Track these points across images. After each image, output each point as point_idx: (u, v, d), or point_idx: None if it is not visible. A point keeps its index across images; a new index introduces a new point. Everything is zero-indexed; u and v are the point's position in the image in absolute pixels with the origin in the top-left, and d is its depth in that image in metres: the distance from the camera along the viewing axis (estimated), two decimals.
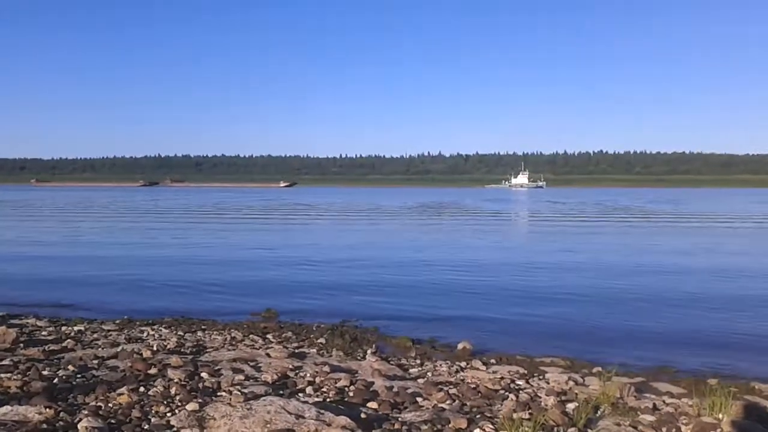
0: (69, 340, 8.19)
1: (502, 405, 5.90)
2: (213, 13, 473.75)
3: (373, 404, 5.76)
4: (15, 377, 5.94)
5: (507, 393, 6.41)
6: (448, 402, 5.93)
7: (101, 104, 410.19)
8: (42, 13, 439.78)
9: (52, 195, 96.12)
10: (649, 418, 5.53)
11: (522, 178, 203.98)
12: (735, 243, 25.49)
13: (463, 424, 5.16)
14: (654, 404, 6.06)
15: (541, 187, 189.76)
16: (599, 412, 5.68)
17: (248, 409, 5.09)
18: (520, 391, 6.52)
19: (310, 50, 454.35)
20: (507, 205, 69.74)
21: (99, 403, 5.29)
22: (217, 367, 6.77)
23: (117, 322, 10.08)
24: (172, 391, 5.74)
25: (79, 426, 4.66)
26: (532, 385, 6.87)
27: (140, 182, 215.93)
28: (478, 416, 5.47)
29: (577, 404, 5.85)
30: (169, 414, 5.11)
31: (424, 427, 5.10)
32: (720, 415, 5.45)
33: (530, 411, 5.61)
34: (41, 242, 24.48)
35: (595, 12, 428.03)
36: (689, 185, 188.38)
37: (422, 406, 5.78)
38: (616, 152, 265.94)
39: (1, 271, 16.23)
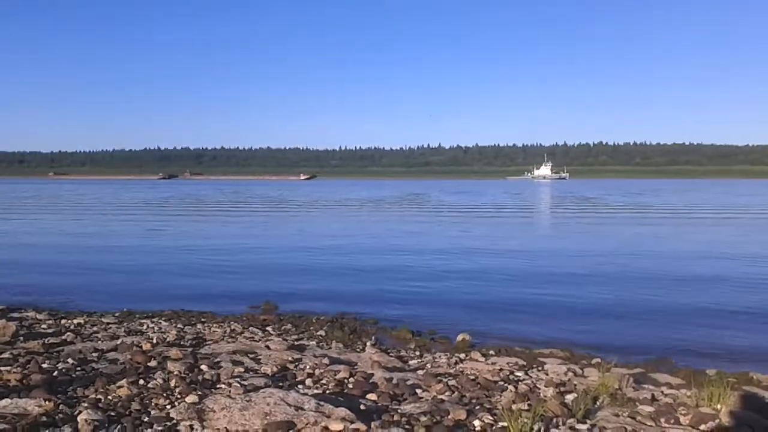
0: (68, 333, 8.19)
1: (501, 396, 5.90)
2: (212, 8, 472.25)
3: (372, 396, 5.76)
4: (15, 370, 5.94)
5: (506, 384, 6.41)
6: (447, 393, 5.94)
7: (99, 98, 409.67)
8: (42, 7, 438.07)
9: (89, 189, 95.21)
10: (648, 408, 5.54)
11: (545, 170, 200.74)
12: (734, 233, 25.51)
13: (463, 415, 5.17)
14: (653, 395, 6.07)
15: (564, 178, 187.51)
16: (598, 403, 5.68)
17: (248, 401, 5.09)
18: (519, 383, 6.53)
19: (309, 44, 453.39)
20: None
21: (98, 396, 5.29)
22: (216, 360, 6.77)
23: (116, 314, 10.08)
24: (172, 383, 5.75)
25: (78, 418, 4.67)
26: (531, 377, 6.88)
27: (159, 175, 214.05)
28: (477, 407, 5.48)
29: (576, 395, 5.85)
30: (168, 406, 5.11)
31: (424, 418, 5.10)
32: (718, 406, 5.45)
33: (529, 402, 5.61)
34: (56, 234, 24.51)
35: (595, 5, 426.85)
36: (689, 176, 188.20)
37: (421, 398, 5.78)
38: (616, 143, 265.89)
39: (3, 264, 16.25)
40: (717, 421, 5.14)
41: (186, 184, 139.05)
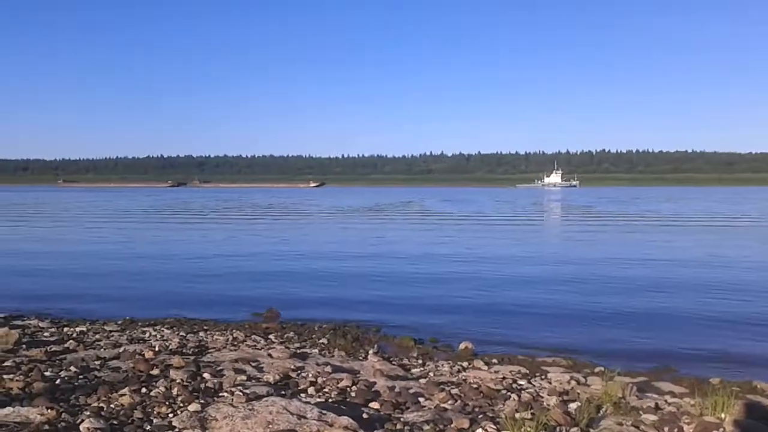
0: (71, 341, 8.20)
1: (504, 405, 5.89)
2: (213, 13, 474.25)
3: (375, 404, 5.75)
4: (17, 378, 5.94)
5: (509, 393, 6.40)
6: (450, 402, 5.93)
7: (102, 105, 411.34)
8: (42, 12, 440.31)
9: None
10: (652, 417, 5.53)
11: (555, 177, 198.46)
12: (734, 242, 25.47)
13: (465, 424, 5.16)
14: (656, 404, 6.06)
15: (574, 186, 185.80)
16: (601, 412, 5.67)
17: (250, 410, 5.09)
18: (522, 391, 6.52)
19: (311, 50, 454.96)
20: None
21: (101, 404, 5.29)
22: (219, 368, 6.77)
23: (119, 322, 10.09)
24: (174, 391, 5.75)
25: (81, 427, 4.67)
26: (534, 385, 6.86)
27: (169, 183, 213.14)
28: (480, 416, 5.46)
29: (579, 404, 5.84)
30: (171, 415, 5.11)
31: (426, 427, 5.10)
32: (722, 415, 5.43)
33: (532, 411, 5.59)
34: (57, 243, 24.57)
35: (596, 10, 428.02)
36: (691, 184, 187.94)
37: (424, 407, 5.77)
38: (619, 151, 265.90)
39: (6, 273, 16.28)
40: (721, 430, 5.13)
41: (196, 191, 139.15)
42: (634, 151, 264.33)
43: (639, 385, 6.81)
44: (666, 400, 6.30)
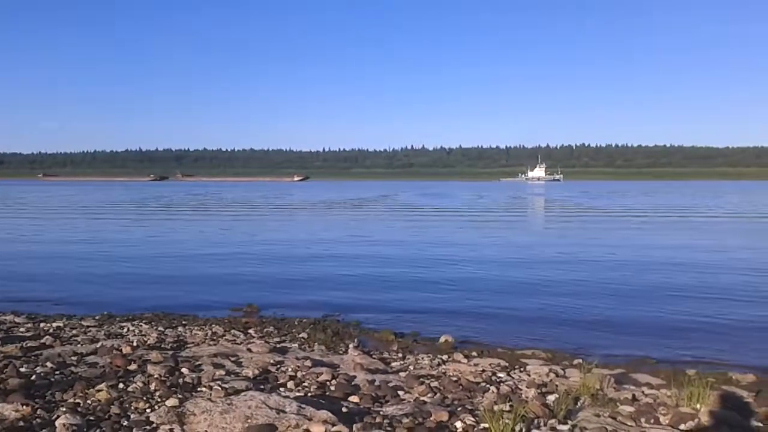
0: (47, 337, 8.08)
1: (483, 397, 5.92)
2: (194, 8, 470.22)
3: (354, 398, 5.76)
4: None
5: (488, 385, 6.43)
6: (429, 395, 5.95)
7: (77, 99, 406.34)
8: (24, 8, 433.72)
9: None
10: (629, 408, 5.58)
11: (539, 171, 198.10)
12: (711, 237, 25.76)
13: (445, 416, 5.17)
14: (633, 395, 6.12)
15: (558, 180, 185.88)
16: (579, 404, 5.71)
17: (229, 405, 5.06)
18: (501, 384, 6.55)
19: (291, 46, 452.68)
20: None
21: (77, 400, 5.24)
22: (197, 363, 6.73)
23: (96, 317, 9.98)
24: (152, 386, 5.70)
25: (56, 423, 4.62)
26: (513, 378, 6.90)
27: (151, 176, 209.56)
28: (459, 409, 5.49)
29: (557, 396, 5.88)
30: (148, 410, 5.07)
31: (406, 420, 5.10)
32: (698, 405, 5.50)
33: (511, 403, 5.63)
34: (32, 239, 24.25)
35: (579, 10, 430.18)
36: (670, 178, 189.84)
37: (404, 400, 5.78)
38: (598, 145, 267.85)
39: None
40: (696, 420, 5.19)
41: (181, 185, 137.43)
42: (613, 145, 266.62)
43: (616, 377, 6.88)
44: (643, 392, 6.37)
